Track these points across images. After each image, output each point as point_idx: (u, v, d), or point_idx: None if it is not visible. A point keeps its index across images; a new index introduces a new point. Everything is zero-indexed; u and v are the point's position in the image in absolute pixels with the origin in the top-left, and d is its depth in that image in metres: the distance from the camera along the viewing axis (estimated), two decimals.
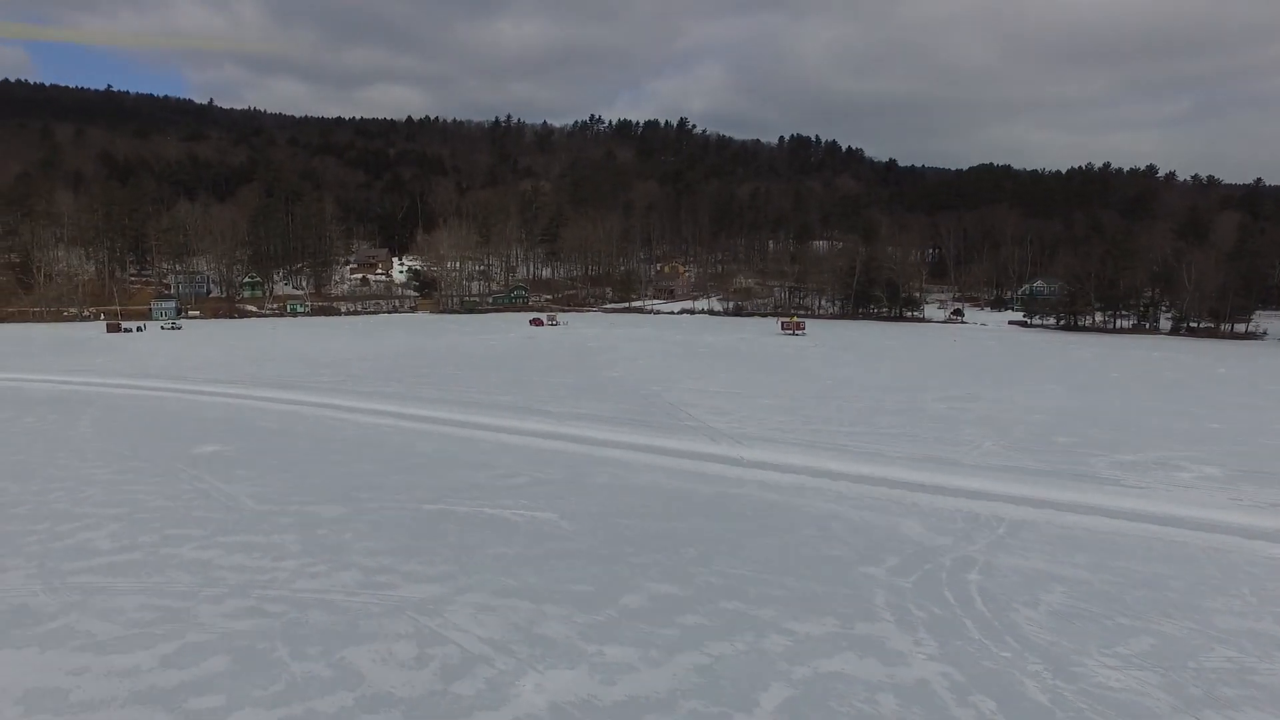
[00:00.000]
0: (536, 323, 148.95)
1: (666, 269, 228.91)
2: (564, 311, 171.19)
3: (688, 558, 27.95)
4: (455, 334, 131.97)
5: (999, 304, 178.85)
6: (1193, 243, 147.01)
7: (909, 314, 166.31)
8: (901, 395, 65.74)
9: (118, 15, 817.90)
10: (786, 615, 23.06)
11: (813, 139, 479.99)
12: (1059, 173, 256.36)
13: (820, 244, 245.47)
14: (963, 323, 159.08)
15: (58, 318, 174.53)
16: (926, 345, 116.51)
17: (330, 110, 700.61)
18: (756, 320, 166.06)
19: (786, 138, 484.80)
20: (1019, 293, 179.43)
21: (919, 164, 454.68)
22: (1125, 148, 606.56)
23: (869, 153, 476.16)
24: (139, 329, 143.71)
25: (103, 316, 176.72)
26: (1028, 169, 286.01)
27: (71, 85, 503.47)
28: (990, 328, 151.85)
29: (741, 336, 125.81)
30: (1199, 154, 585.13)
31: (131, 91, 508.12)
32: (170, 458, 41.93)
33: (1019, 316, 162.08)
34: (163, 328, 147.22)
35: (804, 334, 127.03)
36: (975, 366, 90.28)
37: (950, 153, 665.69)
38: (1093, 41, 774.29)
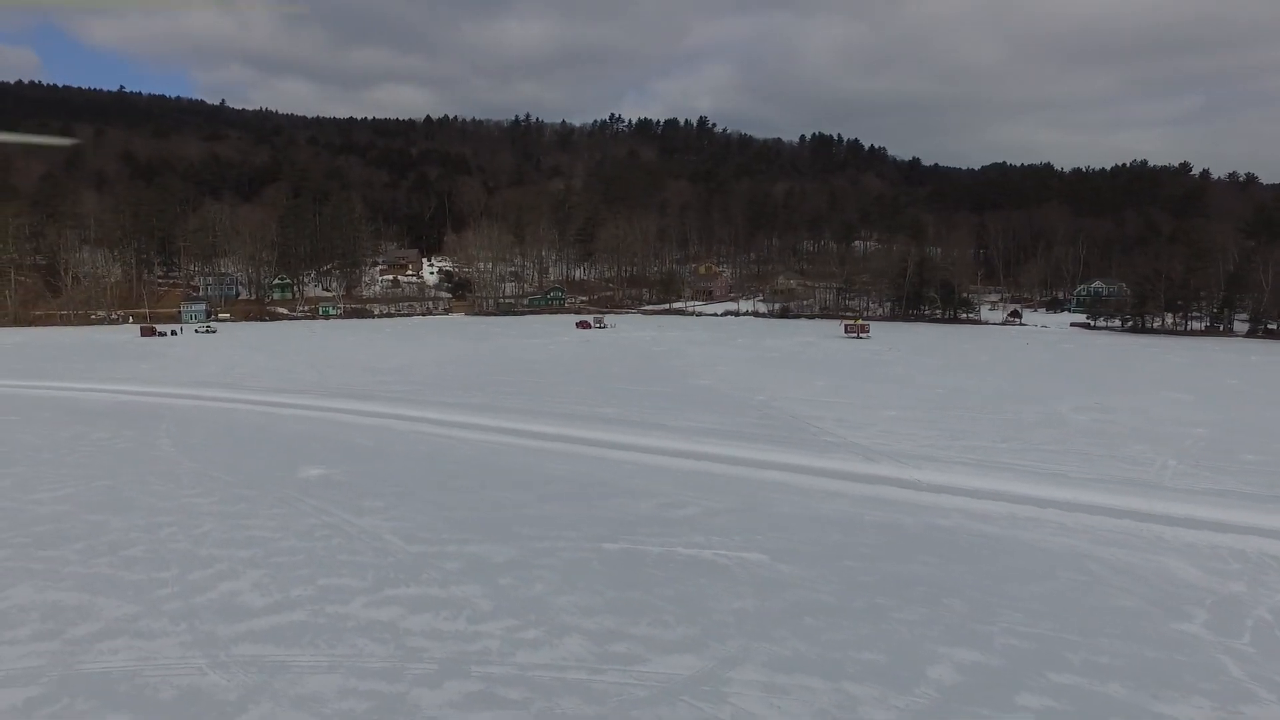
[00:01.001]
0: (584, 325, 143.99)
1: (702, 269, 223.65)
2: (608, 314, 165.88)
3: (960, 611, 23.14)
4: (501, 337, 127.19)
5: (1054, 305, 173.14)
6: (1265, 242, 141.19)
7: (964, 315, 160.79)
8: (1032, 406, 60.58)
9: (127, 16, 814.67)
10: (1142, 693, 18.49)
11: (834, 137, 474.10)
12: (1103, 170, 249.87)
13: (858, 244, 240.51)
14: (1021, 324, 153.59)
15: (86, 321, 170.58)
16: (1002, 349, 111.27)
17: (337, 110, 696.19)
18: (808, 322, 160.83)
19: (807, 136, 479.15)
20: (1075, 293, 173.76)
21: (929, 163, 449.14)
22: (1130, 146, 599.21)
23: (891, 151, 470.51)
24: (173, 333, 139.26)
25: (131, 319, 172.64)
26: (1038, 164, 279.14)
27: (85, 86, 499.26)
28: (1053, 329, 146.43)
29: (805, 340, 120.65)
30: (1204, 153, 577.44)
31: (144, 92, 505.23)
32: (277, 483, 37.15)
33: (1080, 318, 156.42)
34: (197, 331, 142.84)
35: (869, 337, 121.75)
36: (1072, 372, 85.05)
37: (955, 152, 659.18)
38: (1099, 40, 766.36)
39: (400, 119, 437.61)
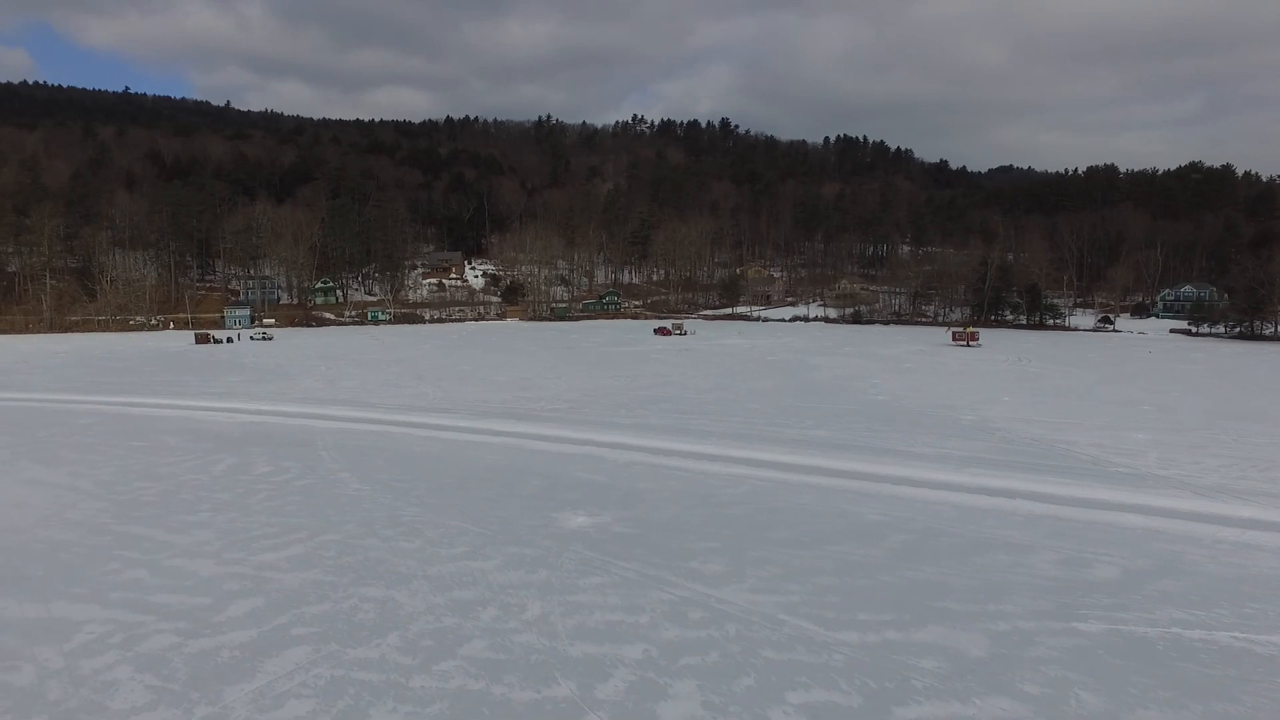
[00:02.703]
0: (663, 332, 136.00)
1: (752, 272, 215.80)
2: (685, 319, 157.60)
3: None
4: (585, 345, 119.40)
5: (1140, 310, 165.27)
6: None
7: (1050, 321, 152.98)
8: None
9: (124, 17, 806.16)
10: None
11: (860, 139, 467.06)
12: (1169, 172, 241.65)
13: (904, 248, 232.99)
14: (1115, 330, 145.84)
15: (124, 326, 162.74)
16: (1133, 358, 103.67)
17: (336, 113, 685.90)
18: (885, 329, 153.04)
19: (832, 138, 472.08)
20: (1160, 297, 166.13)
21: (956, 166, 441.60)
22: (1133, 148, 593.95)
23: (917, 153, 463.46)
24: (229, 340, 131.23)
25: (172, 325, 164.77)
26: (1100, 165, 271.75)
27: (87, 87, 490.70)
28: (1152, 336, 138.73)
29: (915, 348, 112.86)
30: (1206, 154, 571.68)
31: (149, 94, 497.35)
32: (547, 536, 29.59)
33: (1171, 323, 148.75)
34: (252, 338, 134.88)
35: (980, 345, 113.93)
36: (1261, 384, 77.35)
37: (957, 154, 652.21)
38: (1103, 41, 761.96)
39: (422, 120, 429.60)
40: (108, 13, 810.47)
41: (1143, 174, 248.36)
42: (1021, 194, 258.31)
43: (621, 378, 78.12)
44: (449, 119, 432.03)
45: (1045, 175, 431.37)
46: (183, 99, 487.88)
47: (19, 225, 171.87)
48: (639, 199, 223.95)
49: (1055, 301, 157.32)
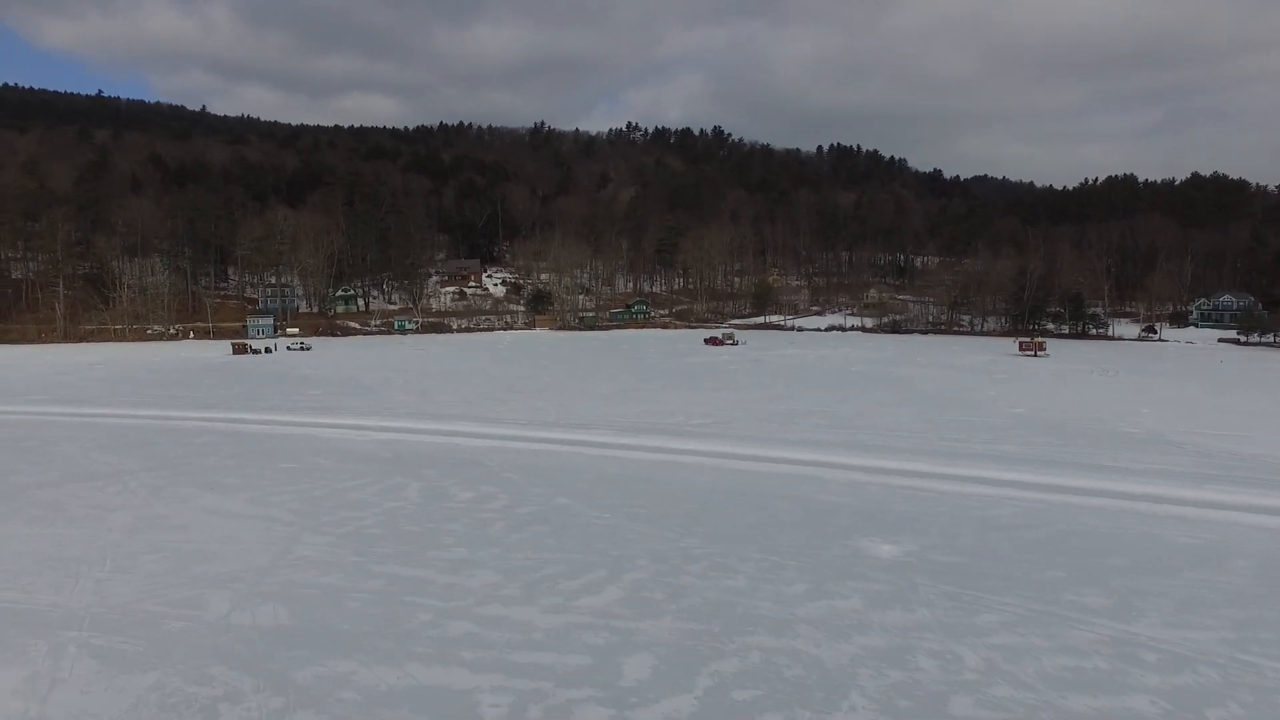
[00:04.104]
0: (715, 341, 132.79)
1: (771, 280, 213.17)
2: (735, 329, 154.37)
3: None
4: (647, 355, 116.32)
5: (1177, 319, 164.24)
6: None
7: (1092, 331, 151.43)
8: None
9: (85, 18, 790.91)
10: None
11: (854, 148, 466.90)
12: (1183, 182, 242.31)
13: (920, 259, 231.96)
14: (1160, 340, 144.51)
15: (141, 336, 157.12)
16: (1208, 367, 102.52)
17: (303, 118, 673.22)
18: (925, 339, 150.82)
19: (826, 147, 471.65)
20: (1196, 306, 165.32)
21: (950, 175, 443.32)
22: (1096, 159, 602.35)
23: (911, 163, 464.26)
24: (267, 350, 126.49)
25: (192, 334, 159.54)
26: (1119, 175, 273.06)
27: (63, 90, 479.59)
28: (1201, 345, 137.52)
29: (986, 358, 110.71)
30: (1166, 165, 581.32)
31: (123, 97, 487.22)
32: (880, 569, 26.77)
33: (1214, 332, 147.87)
34: (289, 348, 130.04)
35: (1047, 355, 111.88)
36: None
37: (927, 162, 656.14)
38: (1068, 54, 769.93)
39: (417, 126, 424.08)
40: (67, 13, 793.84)
41: (1165, 184, 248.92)
42: (1042, 204, 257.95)
43: (730, 390, 75.05)
44: (443, 124, 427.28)
45: (1018, 184, 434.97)
46: (156, 103, 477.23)
47: (28, 231, 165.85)
48: (657, 207, 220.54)
49: (1096, 311, 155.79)
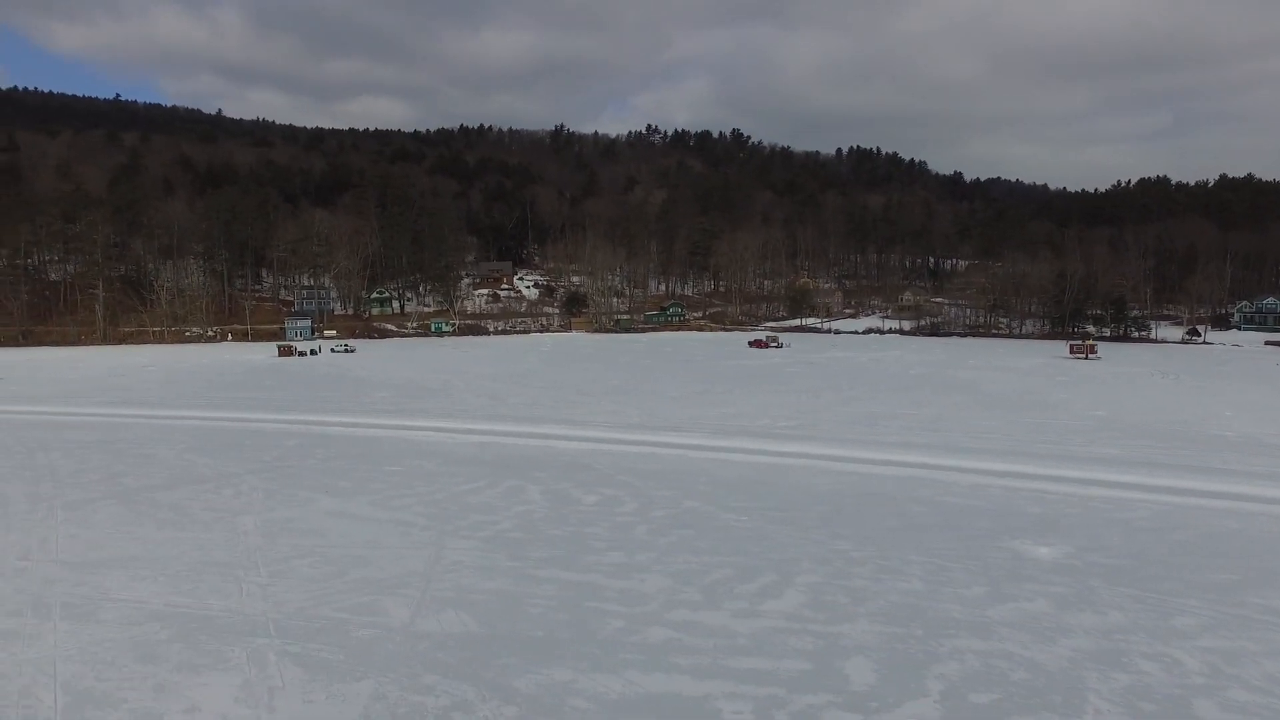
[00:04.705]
0: (759, 344, 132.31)
1: (799, 283, 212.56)
2: (780, 332, 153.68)
3: None
4: (695, 357, 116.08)
5: (1219, 322, 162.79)
6: None
7: (1135, 334, 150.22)
8: None
9: (97, 23, 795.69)
10: None
11: (874, 151, 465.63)
12: (1219, 182, 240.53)
13: (949, 263, 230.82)
14: (1205, 343, 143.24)
15: (179, 338, 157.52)
16: (1266, 371, 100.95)
17: (313, 121, 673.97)
18: (976, 341, 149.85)
19: (845, 150, 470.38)
20: (1238, 309, 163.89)
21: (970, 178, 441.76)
22: (1101, 161, 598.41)
23: (931, 166, 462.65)
24: (312, 352, 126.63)
25: (230, 336, 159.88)
26: (1152, 178, 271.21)
27: (80, 94, 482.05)
28: (1248, 348, 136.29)
29: (1039, 361, 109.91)
30: (1173, 167, 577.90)
31: (140, 101, 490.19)
32: (1047, 571, 26.66)
33: (1262, 335, 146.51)
34: (333, 350, 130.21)
35: (1099, 357, 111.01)
36: None
37: (934, 164, 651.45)
38: (1074, 56, 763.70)
39: (437, 129, 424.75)
40: (79, 18, 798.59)
41: (1199, 185, 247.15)
42: (1074, 206, 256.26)
43: (800, 393, 74.62)
44: (463, 127, 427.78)
45: (1031, 187, 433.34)
46: (173, 106, 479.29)
47: (67, 233, 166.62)
48: (688, 210, 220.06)
49: (1138, 313, 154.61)
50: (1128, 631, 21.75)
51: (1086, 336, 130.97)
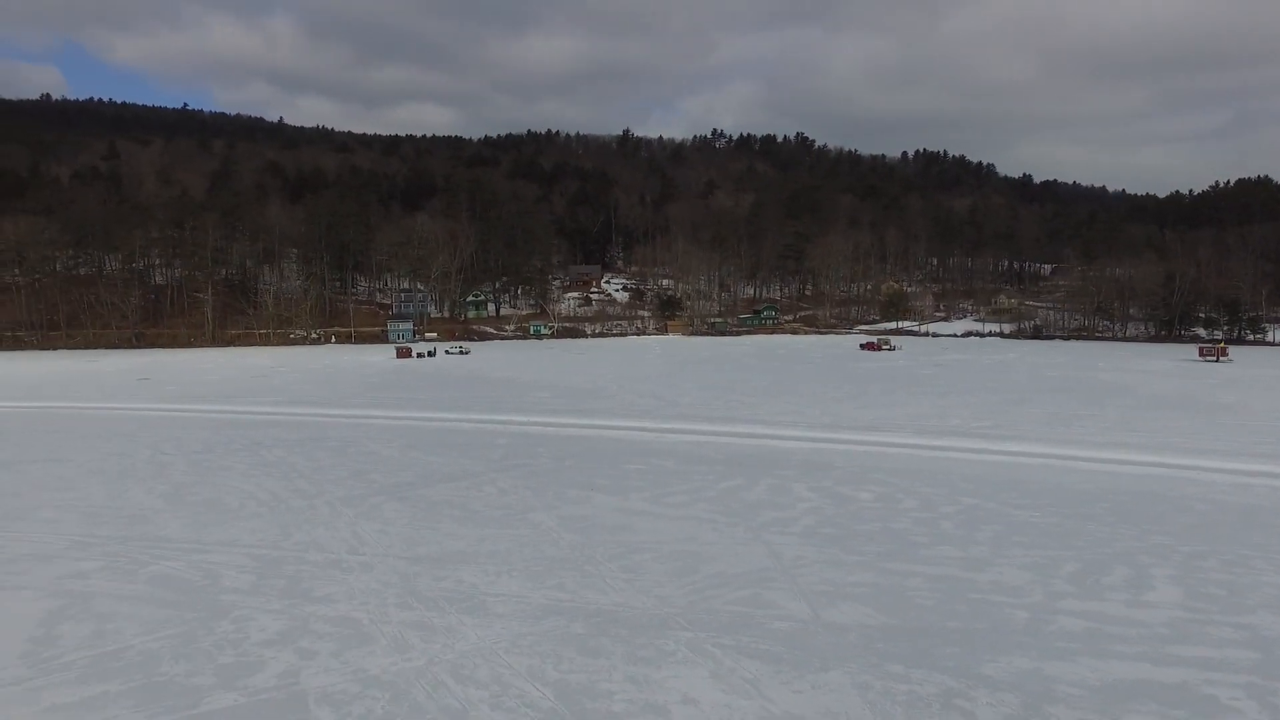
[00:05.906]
0: (870, 347, 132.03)
1: (885, 287, 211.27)
2: (891, 335, 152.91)
3: None
4: (817, 360, 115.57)
5: None
6: None
7: (1250, 337, 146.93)
8: None
9: (155, 35, 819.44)
10: None
11: (941, 154, 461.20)
12: None
13: (1037, 265, 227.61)
14: None
15: (284, 340, 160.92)
16: None
17: (358, 127, 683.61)
18: (1082, 345, 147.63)
19: (911, 153, 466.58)
20: None
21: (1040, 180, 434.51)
22: (1155, 163, 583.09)
23: (1000, 169, 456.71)
24: (430, 354, 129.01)
25: (334, 339, 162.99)
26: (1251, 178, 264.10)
27: (148, 104, 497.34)
28: None
29: (1167, 363, 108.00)
30: (1231, 169, 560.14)
31: (206, 110, 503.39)
32: None
33: None
34: (448, 352, 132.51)
35: (1230, 360, 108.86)
36: None
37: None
38: (1128, 56, 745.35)
39: (505, 134, 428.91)
40: (138, 30, 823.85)
41: None
42: (1170, 209, 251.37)
43: (959, 394, 74.18)
44: (530, 132, 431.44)
45: (1090, 189, 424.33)
46: (237, 115, 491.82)
47: (176, 238, 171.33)
48: (776, 213, 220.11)
49: (1255, 315, 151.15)
50: None
51: (1217, 340, 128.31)
